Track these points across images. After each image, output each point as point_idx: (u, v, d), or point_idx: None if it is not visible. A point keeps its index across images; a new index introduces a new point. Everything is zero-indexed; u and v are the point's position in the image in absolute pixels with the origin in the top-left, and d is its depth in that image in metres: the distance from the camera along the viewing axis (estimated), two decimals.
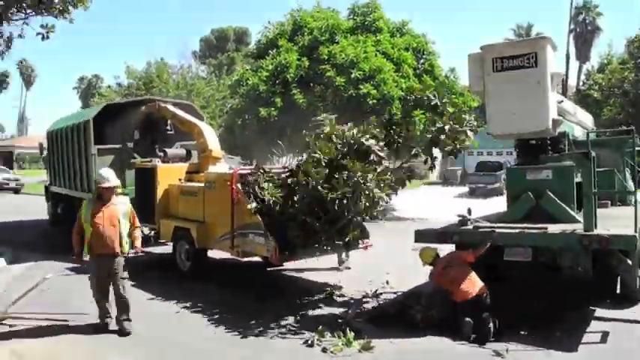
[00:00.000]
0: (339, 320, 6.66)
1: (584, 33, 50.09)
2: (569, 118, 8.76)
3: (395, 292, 8.37)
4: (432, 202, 21.00)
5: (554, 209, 6.99)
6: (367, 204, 7.08)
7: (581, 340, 6.08)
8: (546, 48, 6.82)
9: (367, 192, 6.91)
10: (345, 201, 6.87)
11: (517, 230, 6.61)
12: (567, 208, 6.95)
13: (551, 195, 7.02)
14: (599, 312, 7.02)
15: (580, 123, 9.32)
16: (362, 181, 6.80)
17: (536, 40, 7.05)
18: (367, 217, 7.81)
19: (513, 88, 6.95)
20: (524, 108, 6.90)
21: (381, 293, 8.31)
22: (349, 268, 9.83)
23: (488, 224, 7.22)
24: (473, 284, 6.38)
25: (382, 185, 7.12)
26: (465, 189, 29.67)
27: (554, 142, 7.66)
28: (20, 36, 10.15)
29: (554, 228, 6.51)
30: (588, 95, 33.03)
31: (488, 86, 7.20)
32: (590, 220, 6.10)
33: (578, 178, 7.25)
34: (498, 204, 12.38)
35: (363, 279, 9.22)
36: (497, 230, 6.75)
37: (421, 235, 7.48)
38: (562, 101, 7.54)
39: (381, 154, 7.23)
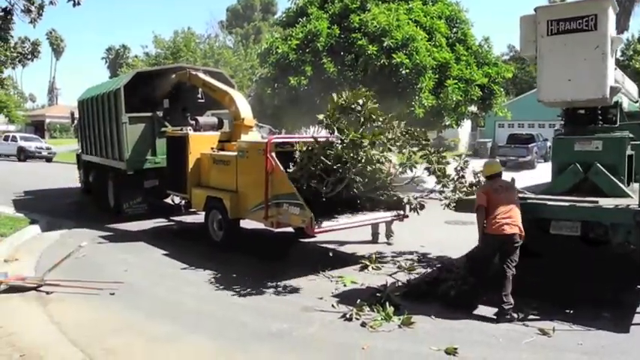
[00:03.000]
0: (378, 294, 6.49)
1: (623, 1, 48.09)
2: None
3: (430, 266, 8.19)
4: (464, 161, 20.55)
5: (603, 182, 6.66)
6: (368, 166, 7.31)
7: (632, 320, 5.82)
8: (608, 10, 6.39)
9: (364, 153, 7.15)
10: (346, 163, 7.31)
11: (568, 203, 6.30)
12: (617, 181, 6.61)
13: (601, 167, 6.68)
14: None
15: (627, 93, 8.87)
16: (358, 143, 7.09)
17: (597, 1, 6.60)
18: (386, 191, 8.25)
19: (569, 53, 6.55)
20: (580, 74, 6.50)
21: (416, 267, 8.14)
22: (390, 244, 9.61)
23: (534, 195, 6.94)
24: (519, 221, 6.14)
25: (380, 146, 7.36)
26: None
27: (604, 112, 7.26)
28: (52, 3, 10.00)
29: (604, 202, 6.20)
30: (627, 66, 31.90)
31: (542, 50, 6.79)
32: None
33: (629, 151, 6.90)
34: (531, 177, 12.05)
35: (398, 252, 9.07)
36: (543, 202, 6.47)
37: (463, 205, 7.24)
38: (615, 69, 7.13)
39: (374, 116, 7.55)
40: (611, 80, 6.51)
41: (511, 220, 6.10)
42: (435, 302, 6.43)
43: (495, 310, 6.02)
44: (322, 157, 7.46)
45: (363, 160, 7.26)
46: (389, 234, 9.69)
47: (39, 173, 24.58)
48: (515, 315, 5.85)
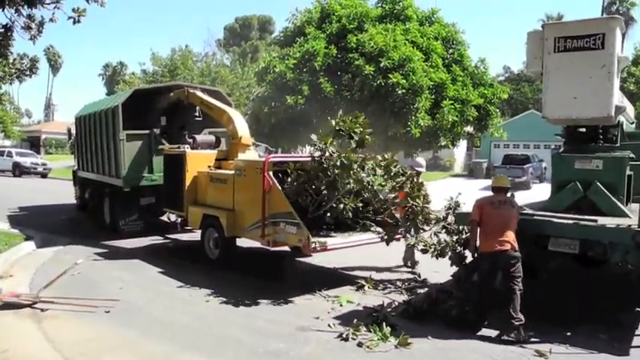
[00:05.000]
0: (374, 314, 6.47)
1: None
2: None
3: (426, 286, 8.17)
4: (457, 195, 20.57)
5: (601, 201, 6.68)
6: (355, 187, 7.73)
7: (631, 342, 5.81)
8: (615, 29, 6.45)
9: (354, 175, 7.61)
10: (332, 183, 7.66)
11: (571, 221, 6.30)
12: (616, 201, 6.64)
13: (601, 186, 6.72)
14: None
15: (625, 114, 8.97)
16: (348, 164, 7.55)
17: (606, 20, 6.68)
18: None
19: (576, 71, 6.60)
20: (586, 92, 6.55)
21: (413, 287, 8.13)
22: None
23: (533, 212, 6.97)
24: (511, 237, 6.13)
25: (370, 170, 7.95)
26: (491, 182, 29.22)
27: (605, 131, 7.31)
28: (52, 20, 10.04)
29: (603, 221, 6.22)
30: (621, 88, 32.21)
31: (548, 67, 6.84)
32: None
33: (628, 171, 6.94)
34: (526, 197, 12.05)
35: (394, 271, 9.06)
36: (547, 219, 6.49)
37: (462, 219, 7.26)
38: None
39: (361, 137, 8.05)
40: (616, 99, 6.58)
41: (502, 236, 6.10)
42: (431, 322, 6.41)
43: (495, 332, 6.04)
44: (313, 175, 7.77)
45: (352, 181, 7.62)
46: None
47: (34, 189, 24.49)
48: (524, 335, 5.79)
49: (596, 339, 5.83)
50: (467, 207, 8.16)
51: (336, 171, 7.61)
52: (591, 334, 5.94)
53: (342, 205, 7.80)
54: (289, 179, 8.01)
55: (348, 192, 7.80)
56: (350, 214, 7.90)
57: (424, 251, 7.63)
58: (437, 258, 7.48)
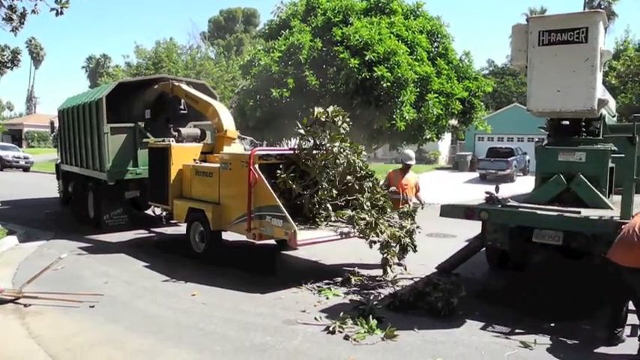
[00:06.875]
0: (361, 307, 6.49)
1: None
2: None
3: (412, 278, 8.22)
4: (441, 188, 20.74)
5: (585, 193, 6.76)
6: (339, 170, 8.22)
7: None
8: (599, 23, 6.53)
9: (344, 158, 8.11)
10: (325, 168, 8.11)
11: (555, 213, 6.35)
12: (599, 192, 6.73)
13: (583, 178, 6.80)
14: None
15: (607, 107, 9.09)
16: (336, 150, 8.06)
17: (589, 14, 6.77)
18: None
19: (559, 64, 6.68)
20: (569, 85, 6.63)
21: (399, 279, 8.17)
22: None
23: (517, 204, 7.04)
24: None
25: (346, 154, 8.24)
26: (475, 174, 29.43)
27: (587, 124, 7.40)
28: (34, 12, 9.91)
29: (586, 212, 6.30)
30: (603, 82, 32.56)
31: (532, 60, 6.91)
32: (628, 208, 5.86)
33: (610, 163, 7.03)
34: (511, 190, 12.19)
35: (380, 264, 9.07)
36: (532, 211, 6.54)
37: (447, 211, 7.31)
38: None
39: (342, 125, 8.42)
40: (599, 93, 6.66)
41: None
42: (418, 314, 6.45)
43: (480, 323, 6.14)
44: (303, 165, 8.18)
45: (343, 165, 8.11)
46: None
47: (16, 183, 24.19)
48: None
49: (580, 330, 5.91)
50: (447, 199, 8.28)
51: (325, 157, 8.06)
52: (576, 325, 6.02)
53: (316, 199, 8.13)
54: (278, 171, 8.13)
55: (330, 180, 8.18)
56: (329, 205, 8.19)
57: (373, 242, 7.86)
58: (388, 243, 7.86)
